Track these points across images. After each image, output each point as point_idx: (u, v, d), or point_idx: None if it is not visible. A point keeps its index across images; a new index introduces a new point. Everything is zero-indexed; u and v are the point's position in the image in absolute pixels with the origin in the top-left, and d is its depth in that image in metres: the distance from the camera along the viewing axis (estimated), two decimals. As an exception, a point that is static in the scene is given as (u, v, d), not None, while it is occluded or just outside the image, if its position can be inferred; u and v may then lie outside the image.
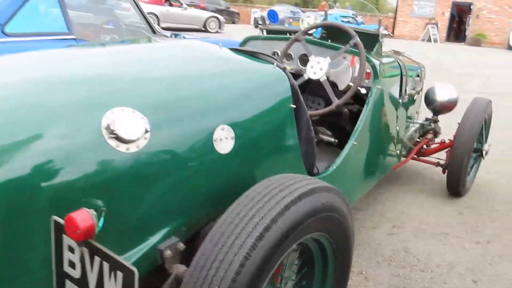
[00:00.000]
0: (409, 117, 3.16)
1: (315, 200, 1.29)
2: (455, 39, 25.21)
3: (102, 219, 1.07)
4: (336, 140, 2.57)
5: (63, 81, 1.29)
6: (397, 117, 2.79)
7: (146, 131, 1.20)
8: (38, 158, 1.09)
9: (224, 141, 1.38)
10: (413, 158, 3.42)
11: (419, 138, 3.48)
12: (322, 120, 2.63)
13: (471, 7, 24.29)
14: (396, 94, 2.76)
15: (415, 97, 3.16)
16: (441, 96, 3.38)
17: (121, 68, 1.43)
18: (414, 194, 3.30)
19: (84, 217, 0.94)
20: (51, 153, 1.10)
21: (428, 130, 3.57)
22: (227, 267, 1.10)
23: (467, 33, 24.65)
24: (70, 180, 1.10)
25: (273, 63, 1.68)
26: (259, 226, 1.15)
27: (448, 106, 3.41)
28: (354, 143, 2.15)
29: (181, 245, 1.29)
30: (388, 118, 2.61)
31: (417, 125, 3.37)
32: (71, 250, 1.01)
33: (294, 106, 1.64)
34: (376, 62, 2.39)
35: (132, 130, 1.17)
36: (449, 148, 3.32)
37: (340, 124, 2.79)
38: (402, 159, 3.17)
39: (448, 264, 2.39)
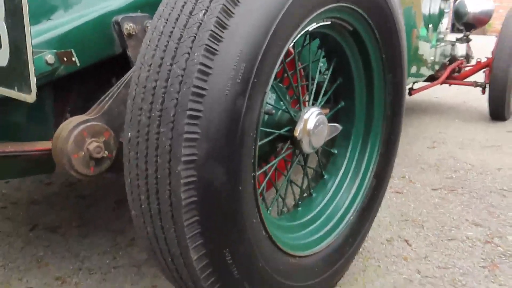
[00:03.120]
0: (439, 27, 2.68)
1: None
2: None
3: None
4: None
5: None
6: (428, 16, 2.31)
7: None
8: None
9: None
10: (446, 82, 2.94)
11: (450, 62, 2.99)
12: None
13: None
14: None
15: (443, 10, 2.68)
16: (473, 7, 2.90)
17: None
18: (450, 120, 2.80)
19: None
20: None
21: (459, 54, 3.08)
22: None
23: None
24: None
25: None
26: None
27: (482, 19, 2.93)
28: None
29: None
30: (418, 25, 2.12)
31: (448, 44, 2.89)
32: None
33: None
34: None
35: None
36: (488, 67, 2.85)
37: None
38: (434, 82, 2.71)
39: (511, 167, 1.90)
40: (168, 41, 0.62)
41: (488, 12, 2.90)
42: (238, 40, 0.62)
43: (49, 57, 0.71)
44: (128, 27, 0.79)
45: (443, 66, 2.82)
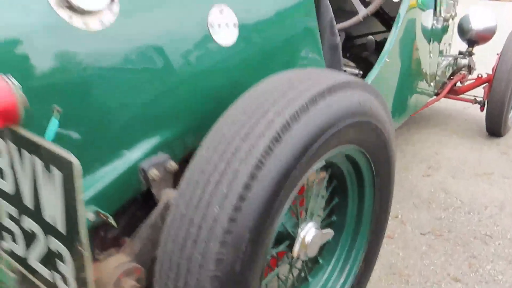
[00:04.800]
0: (441, 51, 2.76)
1: (349, 98, 0.94)
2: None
3: (56, 121, 0.74)
4: (361, 72, 2.20)
5: None
6: (430, 41, 2.40)
7: (112, 1, 0.86)
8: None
9: (225, 29, 1.03)
10: (446, 96, 3.03)
11: (451, 75, 3.07)
12: (344, 49, 2.25)
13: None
14: (430, 14, 2.36)
15: (449, 23, 2.75)
16: (477, 24, 2.94)
17: None
18: (447, 136, 2.92)
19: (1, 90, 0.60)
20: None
21: (462, 66, 3.15)
22: (232, 179, 0.77)
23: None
24: (10, 55, 0.77)
25: None
26: (275, 123, 0.81)
27: (485, 36, 2.97)
28: (387, 60, 1.78)
29: (173, 164, 0.96)
30: (420, 42, 2.21)
31: (450, 59, 2.96)
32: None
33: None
34: None
35: (91, -3, 0.83)
36: (487, 83, 2.93)
37: (364, 56, 2.42)
38: (433, 98, 2.79)
39: (498, 205, 2.05)
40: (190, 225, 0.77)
41: (491, 29, 2.95)
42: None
43: (91, 216, 0.86)
44: (152, 174, 0.93)
45: (444, 84, 2.91)
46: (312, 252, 1.05)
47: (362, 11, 1.82)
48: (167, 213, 0.88)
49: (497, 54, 2.87)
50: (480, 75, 3.03)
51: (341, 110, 0.91)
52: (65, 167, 0.62)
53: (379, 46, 2.19)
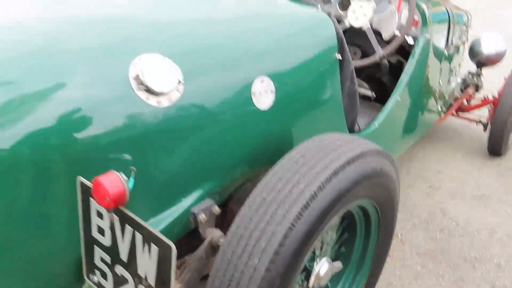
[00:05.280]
0: (451, 70, 2.93)
1: (365, 165, 1.15)
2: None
3: (132, 180, 0.96)
4: (374, 94, 2.39)
5: (80, 21, 1.12)
6: (440, 69, 2.57)
7: (179, 82, 1.06)
8: (61, 110, 0.96)
9: (264, 95, 1.23)
10: (452, 114, 3.22)
11: (460, 92, 3.25)
12: (358, 71, 2.43)
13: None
14: (442, 45, 2.52)
15: (460, 48, 2.92)
16: (488, 48, 3.10)
17: (144, 7, 1.26)
18: (451, 153, 3.12)
19: (113, 182, 0.82)
20: (75, 104, 0.98)
21: (469, 86, 3.33)
22: (270, 237, 0.99)
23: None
24: (96, 135, 0.98)
25: (316, 7, 1.49)
26: (305, 193, 1.02)
27: (495, 59, 3.14)
28: (399, 98, 1.97)
29: (216, 209, 1.18)
30: (431, 71, 2.39)
31: (459, 79, 3.14)
32: (100, 215, 0.91)
33: (340, 58, 1.46)
34: (425, 8, 2.15)
35: (164, 81, 1.04)
36: (492, 105, 3.11)
37: (378, 77, 2.59)
38: (442, 115, 2.97)
39: (489, 229, 2.26)
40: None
41: (501, 54, 3.11)
42: None
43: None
44: (201, 217, 1.15)
45: (451, 103, 3.09)
46: (324, 282, 1.27)
47: (379, 52, 2.00)
48: (211, 249, 1.11)
49: (504, 79, 3.04)
50: (486, 97, 3.20)
51: (358, 176, 1.12)
52: (162, 246, 0.84)
53: (392, 67, 2.37)
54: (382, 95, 2.22)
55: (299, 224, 1.00)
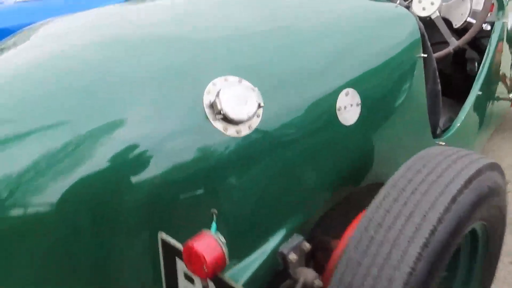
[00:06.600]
0: None
1: (481, 184, 0.97)
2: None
3: (214, 224, 0.81)
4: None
5: (136, 45, 0.99)
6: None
7: (260, 106, 0.91)
8: (126, 149, 0.84)
9: (349, 109, 1.07)
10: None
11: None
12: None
13: None
14: None
15: None
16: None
17: (206, 21, 1.11)
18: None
19: (210, 247, 0.67)
20: (141, 141, 0.85)
21: None
22: (387, 285, 0.82)
23: None
24: (169, 175, 0.85)
25: (395, 2, 1.31)
26: (423, 229, 0.85)
27: None
28: (479, 92, 1.76)
29: (307, 245, 1.02)
30: (505, 57, 2.16)
31: None
32: (190, 279, 0.77)
33: (425, 55, 1.28)
34: None
35: (243, 107, 0.88)
36: None
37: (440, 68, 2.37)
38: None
39: None
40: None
41: None
42: None
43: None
44: (291, 257, 0.99)
45: None
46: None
47: (454, 43, 1.79)
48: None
49: None
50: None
51: (476, 199, 0.94)
52: None
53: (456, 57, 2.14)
54: (447, 88, 2.00)
55: (420, 267, 0.83)
